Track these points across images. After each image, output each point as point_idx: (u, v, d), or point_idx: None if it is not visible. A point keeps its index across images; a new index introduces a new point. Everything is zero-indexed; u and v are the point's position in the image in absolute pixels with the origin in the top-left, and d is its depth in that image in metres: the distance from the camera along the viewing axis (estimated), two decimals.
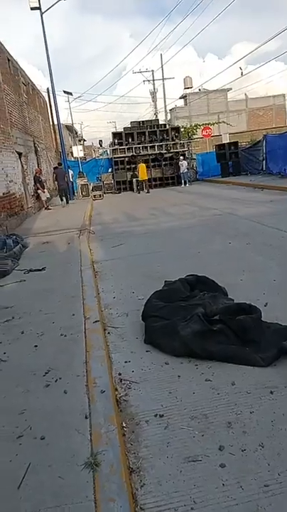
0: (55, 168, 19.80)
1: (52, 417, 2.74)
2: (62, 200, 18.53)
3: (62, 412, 2.77)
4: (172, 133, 24.67)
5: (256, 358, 3.28)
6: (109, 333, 4.18)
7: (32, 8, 18.82)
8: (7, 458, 2.40)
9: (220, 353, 3.39)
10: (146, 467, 2.34)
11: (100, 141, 28.44)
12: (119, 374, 3.37)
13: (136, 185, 22.57)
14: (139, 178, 22.17)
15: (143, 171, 21.88)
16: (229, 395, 2.93)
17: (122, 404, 2.96)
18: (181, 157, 22.90)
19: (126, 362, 3.56)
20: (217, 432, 2.56)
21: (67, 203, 18.58)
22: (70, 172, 21.96)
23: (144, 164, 22.25)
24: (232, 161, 23.28)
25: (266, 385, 2.98)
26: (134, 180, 22.81)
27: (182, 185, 22.47)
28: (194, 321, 3.61)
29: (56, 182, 19.02)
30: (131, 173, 23.47)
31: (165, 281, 4.92)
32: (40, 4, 18.79)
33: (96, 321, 4.28)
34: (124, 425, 2.70)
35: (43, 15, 19.05)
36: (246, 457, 2.34)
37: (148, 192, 21.67)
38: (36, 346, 3.86)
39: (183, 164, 22.45)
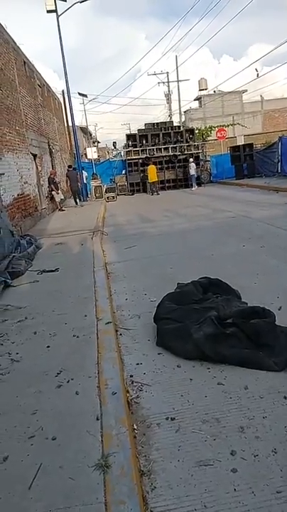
0: (67, 170, 20.07)
1: (63, 418, 2.74)
2: (76, 201, 18.97)
3: (73, 413, 2.78)
4: (187, 135, 24.62)
5: (270, 362, 3.24)
6: (121, 334, 4.18)
7: (48, 11, 19.00)
8: (18, 458, 2.41)
9: (233, 357, 3.36)
10: (157, 470, 2.33)
11: (114, 142, 28.55)
12: (131, 376, 3.36)
13: (149, 187, 22.56)
14: (149, 180, 22.15)
15: (153, 173, 21.89)
16: (242, 399, 2.90)
17: (133, 406, 2.96)
18: (191, 159, 22.76)
19: (137, 364, 3.55)
20: (229, 436, 2.54)
21: (77, 204, 18.91)
22: (84, 174, 22.08)
23: (154, 166, 22.23)
24: (247, 163, 23.12)
25: (280, 390, 2.94)
26: (147, 182, 22.80)
27: (191, 188, 22.27)
28: (207, 324, 3.58)
29: (69, 184, 19.36)
30: (144, 174, 23.48)
31: (178, 284, 4.89)
32: (56, 7, 18.96)
33: (108, 323, 4.28)
34: (135, 427, 2.69)
35: (59, 18, 19.22)
36: (258, 463, 2.31)
37: (157, 194, 21.63)
38: (49, 347, 3.88)
39: (192, 167, 22.30)
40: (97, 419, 2.67)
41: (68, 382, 3.20)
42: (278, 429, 2.55)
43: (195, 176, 22.69)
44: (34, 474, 2.26)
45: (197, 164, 24.28)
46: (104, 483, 2.13)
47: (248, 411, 2.76)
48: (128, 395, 3.07)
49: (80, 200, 19.19)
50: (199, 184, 23.67)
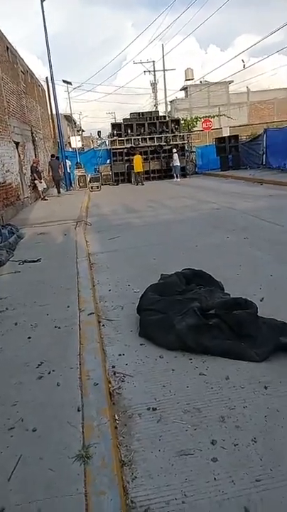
0: (50, 159, 20.03)
1: (44, 410, 2.72)
2: (58, 190, 18.98)
3: (54, 405, 2.76)
4: (172, 125, 24.49)
5: (251, 353, 3.27)
6: (103, 325, 4.16)
7: None
8: None
9: (215, 348, 3.37)
10: (138, 460, 2.33)
11: (99, 131, 28.22)
12: (113, 367, 3.35)
13: (134, 177, 22.42)
14: (135, 170, 22.01)
15: (138, 163, 21.76)
16: (223, 390, 2.92)
17: (115, 397, 2.95)
18: (174, 149, 22.61)
19: (120, 355, 3.54)
20: (210, 426, 2.55)
21: (59, 192, 18.89)
22: (68, 162, 21.80)
23: (140, 156, 22.09)
24: (232, 154, 23.18)
25: (260, 380, 2.98)
26: (132, 172, 22.63)
27: (175, 179, 22.09)
28: (189, 315, 3.59)
29: (51, 173, 19.34)
30: (129, 164, 23.29)
31: (162, 275, 4.89)
32: None
33: (91, 314, 4.25)
34: (117, 418, 2.69)
35: (43, 2, 18.77)
36: (238, 452, 2.33)
37: (142, 184, 21.54)
38: (30, 338, 3.84)
39: (175, 157, 22.10)
40: (78, 410, 2.66)
41: (49, 373, 3.17)
42: (258, 419, 2.58)
43: (179, 166, 22.51)
44: (14, 466, 2.24)
45: (183, 155, 24.22)
46: (85, 474, 2.12)
47: (229, 401, 2.78)
48: (110, 385, 3.06)
49: (59, 188, 19.15)
50: (184, 175, 23.62)
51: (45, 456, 2.29)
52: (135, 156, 21.98)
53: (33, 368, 3.26)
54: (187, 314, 3.64)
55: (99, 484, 2.06)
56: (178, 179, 22.00)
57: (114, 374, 3.25)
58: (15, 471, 2.20)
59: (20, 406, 2.78)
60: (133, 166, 22.16)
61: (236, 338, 3.48)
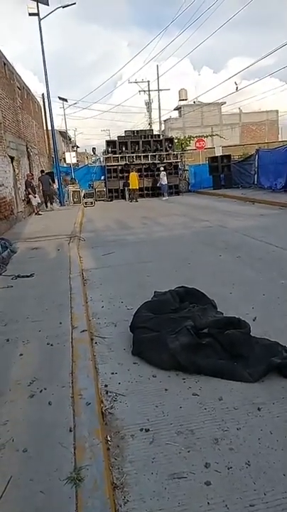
0: (40, 175, 20.48)
1: (35, 429, 2.67)
2: (46, 205, 19.53)
3: (46, 424, 2.71)
4: (166, 143, 24.82)
5: (244, 373, 3.27)
6: (96, 343, 4.13)
7: (30, 14, 18.88)
8: None
9: (208, 367, 3.36)
10: (130, 483, 2.29)
11: (93, 148, 28.55)
12: (105, 386, 3.32)
13: (128, 193, 22.57)
14: (131, 187, 22.17)
15: (134, 180, 21.96)
16: (216, 411, 2.90)
17: (107, 417, 2.91)
18: (161, 168, 22.83)
19: (112, 373, 3.51)
20: (203, 448, 2.53)
21: (46, 207, 19.36)
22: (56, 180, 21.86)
23: (136, 173, 22.30)
24: (224, 173, 23.50)
25: (254, 402, 2.96)
26: (126, 189, 22.79)
27: (163, 198, 22.18)
28: (183, 333, 3.59)
29: (41, 188, 19.68)
30: (124, 181, 23.47)
31: (155, 292, 4.89)
32: (38, 10, 18.84)
33: (83, 331, 4.22)
34: (109, 439, 2.65)
35: (41, 21, 19.12)
36: (232, 475, 2.31)
37: (136, 201, 21.70)
38: (21, 355, 3.79)
39: (163, 176, 22.19)
40: (70, 430, 2.62)
41: (41, 391, 3.13)
42: (251, 441, 2.56)
43: (167, 185, 22.61)
44: (4, 488, 2.19)
45: (176, 173, 24.50)
46: (76, 497, 2.08)
47: (223, 422, 2.76)
48: (102, 405, 3.03)
49: (59, 203, 19.29)
50: (177, 193, 23.84)
51: (35, 477, 2.25)
52: (131, 174, 22.17)
53: (24, 386, 3.22)
54: (181, 333, 3.63)
55: (91, 508, 2.01)
56: (166, 197, 22.15)
57: (107, 393, 3.21)
58: (6, 493, 2.15)
59: (11, 425, 2.73)
60: (128, 182, 22.32)
61: (229, 358, 3.47)
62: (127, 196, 22.70)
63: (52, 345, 3.95)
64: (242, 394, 3.09)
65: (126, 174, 23.11)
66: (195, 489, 2.22)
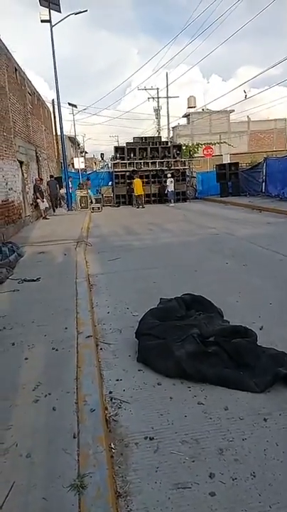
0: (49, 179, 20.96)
1: (39, 435, 2.66)
2: (53, 209, 20.03)
3: (49, 430, 2.70)
4: (174, 150, 24.88)
5: (251, 383, 3.23)
6: (101, 349, 4.12)
7: (42, 21, 19.10)
8: None
9: (214, 376, 3.34)
10: (134, 492, 2.27)
11: (102, 154, 28.77)
12: (110, 392, 3.30)
13: (135, 200, 22.64)
14: (135, 193, 22.28)
15: (139, 186, 22.08)
16: (222, 420, 2.87)
17: (111, 424, 2.89)
18: (168, 175, 22.85)
19: (117, 380, 3.49)
20: (208, 458, 2.50)
21: (54, 211, 19.80)
22: (70, 184, 22.09)
23: (140, 180, 22.40)
24: (232, 181, 23.49)
25: (260, 412, 2.93)
26: (133, 195, 22.87)
27: (169, 204, 22.26)
28: (188, 341, 3.57)
29: (49, 192, 20.00)
30: (130, 187, 23.57)
31: (161, 299, 4.88)
32: (50, 17, 19.07)
33: (88, 336, 4.21)
34: (113, 446, 2.63)
35: (53, 28, 19.34)
36: (236, 486, 2.28)
37: (143, 207, 21.79)
38: (27, 359, 3.79)
39: (170, 182, 22.27)
40: (74, 437, 2.60)
41: (45, 396, 3.12)
42: (257, 452, 2.53)
43: (174, 192, 22.66)
44: (6, 493, 2.17)
45: (183, 180, 24.54)
46: (79, 505, 2.06)
47: (228, 432, 2.73)
48: (106, 412, 3.01)
49: (67, 208, 20.17)
50: (184, 200, 23.88)
51: (38, 484, 2.23)
52: (135, 180, 22.26)
53: (29, 391, 3.21)
54: (187, 341, 3.61)
55: None
56: (172, 204, 22.20)
57: (111, 400, 3.19)
58: (8, 499, 2.13)
59: (14, 430, 2.72)
60: (132, 188, 22.41)
61: (236, 367, 3.44)
62: (134, 202, 22.75)
63: (57, 350, 3.95)
64: (248, 404, 3.05)
65: (133, 181, 23.23)
66: (199, 500, 2.20)
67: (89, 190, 21.89)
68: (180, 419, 2.90)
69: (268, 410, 2.96)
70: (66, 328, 4.48)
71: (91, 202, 21.42)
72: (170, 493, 2.25)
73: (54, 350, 3.94)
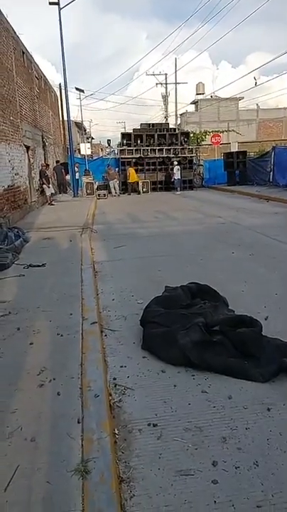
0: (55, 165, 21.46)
1: (43, 419, 2.68)
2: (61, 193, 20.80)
3: (54, 415, 2.72)
4: (182, 138, 24.59)
5: (255, 372, 3.23)
6: (105, 335, 4.13)
7: (50, 3, 18.75)
8: None
9: (218, 365, 3.34)
10: (137, 477, 2.29)
11: (108, 140, 28.64)
12: (114, 379, 3.31)
13: (130, 187, 22.75)
14: (129, 181, 22.47)
15: (132, 174, 22.38)
16: (225, 409, 2.87)
17: (115, 410, 2.91)
18: (175, 162, 22.69)
19: (121, 367, 3.51)
20: (211, 446, 2.51)
21: (61, 193, 20.71)
22: (76, 169, 22.02)
23: (133, 168, 22.67)
24: (239, 170, 23.24)
25: (264, 402, 2.93)
26: (128, 183, 22.93)
27: (176, 192, 22.17)
28: (193, 330, 3.56)
29: (55, 177, 20.55)
30: (138, 174, 23.48)
31: (166, 287, 4.87)
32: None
33: (93, 323, 4.22)
34: (116, 432, 2.65)
35: (61, 11, 19.02)
36: (239, 475, 2.29)
37: (138, 193, 22.16)
38: (31, 344, 3.81)
39: (176, 170, 22.10)
40: (78, 422, 2.62)
41: (50, 381, 3.14)
42: (260, 442, 2.53)
43: (180, 179, 22.51)
44: (11, 476, 2.20)
45: (190, 168, 24.32)
46: (83, 490, 2.08)
47: (232, 421, 2.74)
48: (110, 398, 3.02)
49: (73, 194, 20.63)
50: (191, 188, 23.69)
51: (43, 467, 2.25)
52: (129, 169, 22.54)
53: (33, 376, 3.23)
54: (192, 329, 3.61)
55: (97, 501, 2.01)
56: (179, 192, 22.07)
57: (115, 386, 3.21)
58: (12, 482, 2.16)
59: (19, 414, 2.75)
60: (128, 177, 22.59)
61: (240, 357, 3.44)
62: (129, 189, 22.80)
63: (62, 335, 3.97)
64: (252, 393, 3.06)
65: (140, 167, 23.18)
66: (202, 487, 2.21)
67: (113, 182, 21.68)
68: (184, 407, 2.91)
69: (271, 400, 2.95)
70: (71, 314, 4.49)
71: (112, 192, 21.30)
72: (173, 480, 2.26)
73: (59, 336, 3.95)
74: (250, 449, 2.47)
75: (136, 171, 23.42)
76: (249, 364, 3.33)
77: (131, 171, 22.49)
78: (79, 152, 26.74)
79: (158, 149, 23.81)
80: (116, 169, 23.95)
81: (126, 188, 23.22)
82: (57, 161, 22.32)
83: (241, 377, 3.24)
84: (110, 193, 21.17)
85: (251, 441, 2.55)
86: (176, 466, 2.36)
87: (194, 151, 25.40)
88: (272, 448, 2.48)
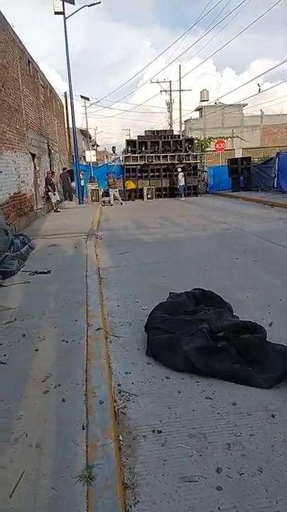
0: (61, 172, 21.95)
1: (48, 425, 2.70)
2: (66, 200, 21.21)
3: (59, 421, 2.74)
4: (186, 144, 24.70)
5: (259, 379, 3.23)
6: (110, 341, 4.14)
7: (56, 13, 19.03)
8: (1, 464, 2.36)
9: (223, 371, 3.34)
10: (141, 484, 2.29)
11: (113, 147, 28.67)
12: (119, 385, 3.33)
13: (128, 194, 23.26)
14: (128, 188, 23.20)
15: (130, 183, 23.16)
16: (230, 415, 2.88)
17: (120, 416, 2.92)
18: (179, 169, 22.79)
19: (126, 373, 3.52)
20: (216, 452, 2.51)
21: (68, 199, 21.20)
22: (81, 177, 22.16)
23: (131, 180, 23.36)
24: (244, 176, 23.28)
25: (268, 408, 2.93)
26: (126, 190, 23.48)
27: (180, 199, 22.25)
28: (198, 336, 3.57)
29: (61, 184, 20.96)
30: (141, 181, 23.64)
31: (171, 293, 4.89)
32: (64, 9, 18.98)
33: (98, 329, 4.24)
34: (121, 439, 2.66)
35: (66, 20, 19.27)
36: (243, 481, 2.29)
37: (132, 200, 22.85)
38: (37, 350, 3.83)
39: (181, 176, 22.25)
40: (83, 428, 2.64)
41: (55, 388, 3.16)
42: (264, 448, 2.53)
43: (184, 186, 22.58)
44: (16, 482, 2.22)
45: (195, 174, 24.39)
46: (87, 496, 2.09)
47: (236, 428, 2.74)
48: (115, 404, 3.03)
49: (78, 201, 21.01)
50: (195, 194, 23.75)
51: (48, 473, 2.27)
52: (127, 181, 23.32)
53: (39, 382, 3.25)
54: (196, 335, 3.62)
55: (102, 507, 2.02)
56: (183, 198, 22.12)
57: (120, 392, 3.22)
58: (18, 488, 2.17)
59: (24, 420, 2.77)
60: (126, 186, 23.32)
61: (244, 363, 3.44)
62: (127, 196, 23.27)
63: (67, 342, 3.99)
64: (256, 400, 3.06)
65: (145, 174, 23.29)
66: (206, 494, 2.21)
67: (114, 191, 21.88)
68: (188, 413, 2.91)
69: (276, 406, 2.95)
70: (76, 321, 4.52)
71: (111, 201, 21.44)
72: (177, 486, 2.27)
73: (64, 342, 3.98)
74: (254, 456, 2.47)
75: (141, 177, 23.63)
76: (254, 370, 3.33)
77: (130, 181, 23.37)
78: (85, 159, 26.89)
79: (163, 156, 23.94)
80: (120, 176, 24.10)
81: (130, 195, 23.41)
82: (64, 168, 22.59)
83: (245, 383, 3.25)
84: (109, 201, 21.19)
85: (256, 447, 2.55)
86: (180, 472, 2.37)
87: (198, 158, 25.49)
88: (276, 454, 2.48)
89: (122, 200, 22.28)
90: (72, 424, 2.69)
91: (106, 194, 21.89)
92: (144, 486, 2.28)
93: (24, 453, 2.45)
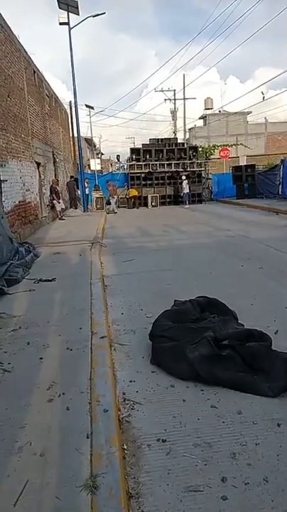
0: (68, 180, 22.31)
1: (53, 434, 2.69)
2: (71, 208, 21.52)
3: (63, 429, 2.73)
4: (190, 152, 24.82)
5: (264, 387, 3.21)
6: (114, 349, 4.14)
7: (61, 23, 19.30)
8: (5, 472, 2.36)
9: (228, 380, 3.32)
10: (146, 493, 2.28)
11: (118, 155, 28.87)
12: (123, 393, 3.32)
13: (132, 202, 23.36)
14: (130, 195, 23.35)
15: (132, 192, 23.33)
16: (235, 424, 2.85)
17: (124, 425, 2.91)
18: (183, 176, 22.87)
19: (130, 381, 3.51)
20: (221, 462, 2.49)
21: (76, 208, 21.53)
22: (86, 185, 22.31)
23: (134, 188, 23.59)
24: (248, 183, 23.32)
25: (274, 417, 2.91)
26: (128, 198, 23.67)
27: (184, 206, 22.35)
28: (202, 344, 3.55)
29: (67, 192, 21.35)
30: (146, 189, 23.78)
31: (175, 301, 4.88)
32: (69, 20, 19.25)
33: (103, 337, 4.24)
34: (125, 448, 2.64)
35: (71, 30, 19.52)
36: (249, 491, 2.26)
37: (137, 207, 22.97)
38: (41, 359, 3.83)
39: (185, 184, 22.43)
40: (87, 437, 2.62)
41: (59, 396, 3.15)
42: (270, 458, 2.51)
43: (189, 193, 22.70)
44: (20, 491, 2.21)
45: (199, 182, 24.47)
46: (91, 505, 2.08)
47: (241, 437, 2.72)
48: (119, 413, 3.02)
49: (83, 209, 21.07)
50: (200, 201, 23.80)
51: (52, 482, 2.26)
52: (130, 190, 23.51)
53: (43, 390, 3.25)
54: (200, 344, 3.60)
55: None
56: (187, 206, 22.19)
57: (124, 401, 3.21)
58: (22, 497, 2.16)
59: (28, 429, 2.76)
60: (129, 194, 23.51)
61: (249, 371, 3.42)
62: (130, 203, 23.41)
63: (71, 350, 3.99)
64: (262, 408, 3.03)
65: (149, 182, 23.41)
66: (211, 503, 2.19)
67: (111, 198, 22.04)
68: (193, 422, 2.89)
69: (281, 415, 2.93)
70: (80, 329, 4.52)
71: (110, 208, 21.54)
72: (182, 496, 2.25)
73: (68, 350, 3.98)
74: (260, 465, 2.45)
75: (145, 185, 23.79)
76: (259, 379, 3.31)
77: (132, 190, 23.58)
78: (89, 168, 27.09)
79: (167, 164, 24.08)
80: (125, 184, 24.25)
81: (134, 202, 23.53)
82: (71, 177, 22.85)
83: (250, 391, 3.22)
84: (113, 209, 21.26)
85: (261, 456, 2.52)
86: (185, 482, 2.35)
87: (202, 165, 25.58)
88: (282, 464, 2.45)
89: (127, 207, 22.42)
90: (77, 433, 2.68)
91: (109, 202, 22.00)
92: (149, 495, 2.26)
93: (28, 462, 2.44)
